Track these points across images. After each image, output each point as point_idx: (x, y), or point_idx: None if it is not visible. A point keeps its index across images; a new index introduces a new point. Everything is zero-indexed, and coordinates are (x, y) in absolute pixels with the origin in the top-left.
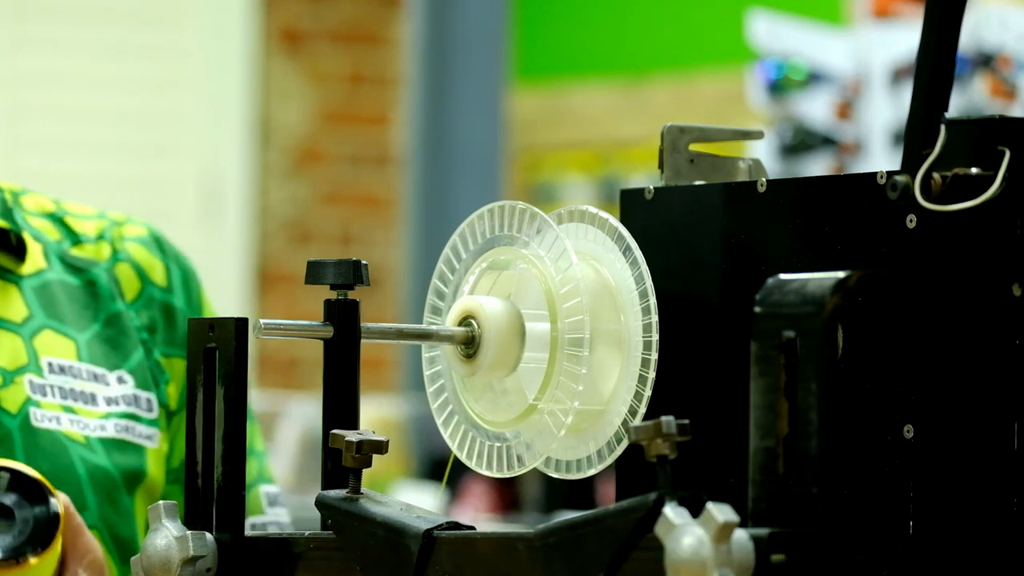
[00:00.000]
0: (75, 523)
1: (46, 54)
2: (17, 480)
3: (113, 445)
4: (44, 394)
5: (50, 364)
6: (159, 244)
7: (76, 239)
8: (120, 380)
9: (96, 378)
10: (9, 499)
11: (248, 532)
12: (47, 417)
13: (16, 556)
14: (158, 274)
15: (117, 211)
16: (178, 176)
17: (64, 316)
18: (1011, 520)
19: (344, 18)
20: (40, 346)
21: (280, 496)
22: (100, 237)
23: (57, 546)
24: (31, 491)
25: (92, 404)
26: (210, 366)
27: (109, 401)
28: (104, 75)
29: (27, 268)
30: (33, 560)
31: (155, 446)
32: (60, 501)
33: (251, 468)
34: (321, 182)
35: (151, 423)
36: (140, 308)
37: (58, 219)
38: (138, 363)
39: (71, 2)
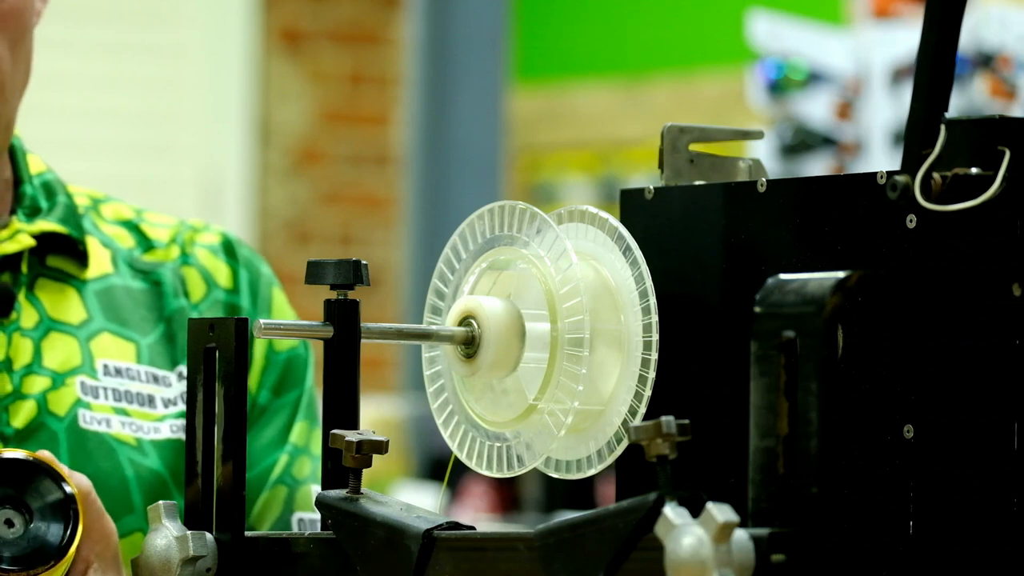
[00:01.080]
0: (95, 508)
1: (46, 54)
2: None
3: (168, 446)
4: (96, 396)
5: (106, 366)
6: (229, 249)
7: (149, 245)
8: (180, 376)
9: (156, 380)
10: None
11: (296, 527)
12: (96, 420)
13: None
14: (223, 277)
15: (198, 220)
16: (178, 176)
17: (126, 320)
18: (1011, 520)
19: (344, 18)
20: (96, 349)
21: None
22: (172, 241)
23: (72, 551)
24: (45, 484)
25: (149, 406)
26: (210, 366)
27: (167, 403)
28: (104, 75)
29: (90, 273)
30: (55, 566)
31: None
32: (79, 495)
33: (304, 467)
34: (321, 182)
35: None
36: (205, 309)
37: (134, 226)
38: None
39: (71, 2)
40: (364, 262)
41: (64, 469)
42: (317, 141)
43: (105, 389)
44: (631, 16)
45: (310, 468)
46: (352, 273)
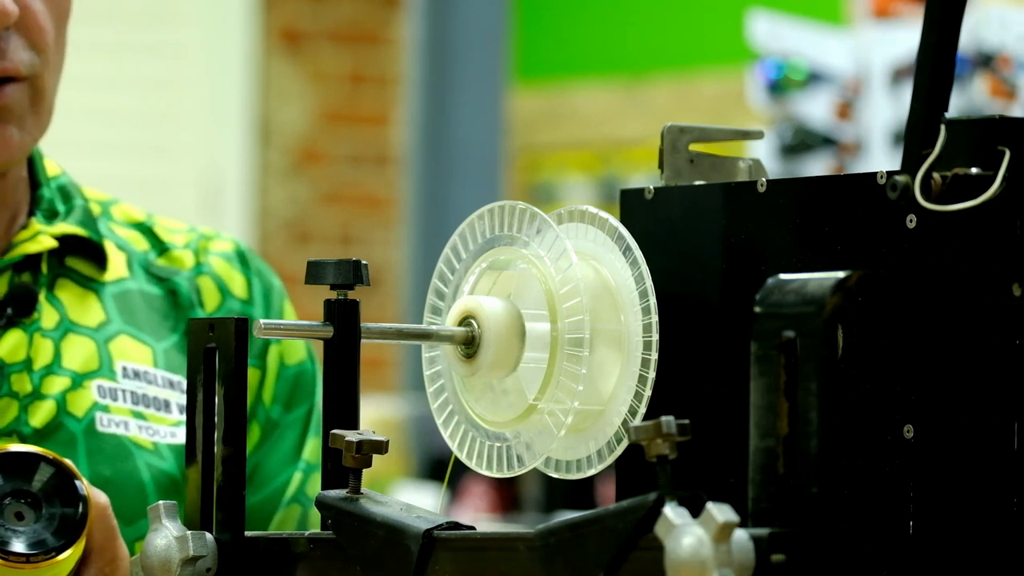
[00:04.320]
0: (110, 525)
1: None
2: (54, 475)
3: (183, 452)
4: (115, 398)
5: (124, 368)
6: (242, 259)
7: (163, 248)
8: None
9: (172, 385)
10: (42, 491)
11: None
12: (114, 422)
13: (40, 551)
14: (238, 287)
15: (207, 227)
16: (178, 176)
17: (142, 324)
18: (1011, 520)
19: (344, 18)
20: (116, 351)
21: None
22: (186, 247)
23: (80, 546)
24: (66, 489)
25: (165, 411)
26: (210, 366)
27: (183, 409)
28: (104, 75)
29: (108, 276)
30: (57, 557)
31: None
32: (92, 503)
33: (317, 484)
34: (321, 182)
35: None
36: None
37: (147, 229)
38: None
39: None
40: (364, 262)
41: (78, 473)
42: (317, 141)
43: (124, 391)
44: (631, 16)
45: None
46: (352, 273)
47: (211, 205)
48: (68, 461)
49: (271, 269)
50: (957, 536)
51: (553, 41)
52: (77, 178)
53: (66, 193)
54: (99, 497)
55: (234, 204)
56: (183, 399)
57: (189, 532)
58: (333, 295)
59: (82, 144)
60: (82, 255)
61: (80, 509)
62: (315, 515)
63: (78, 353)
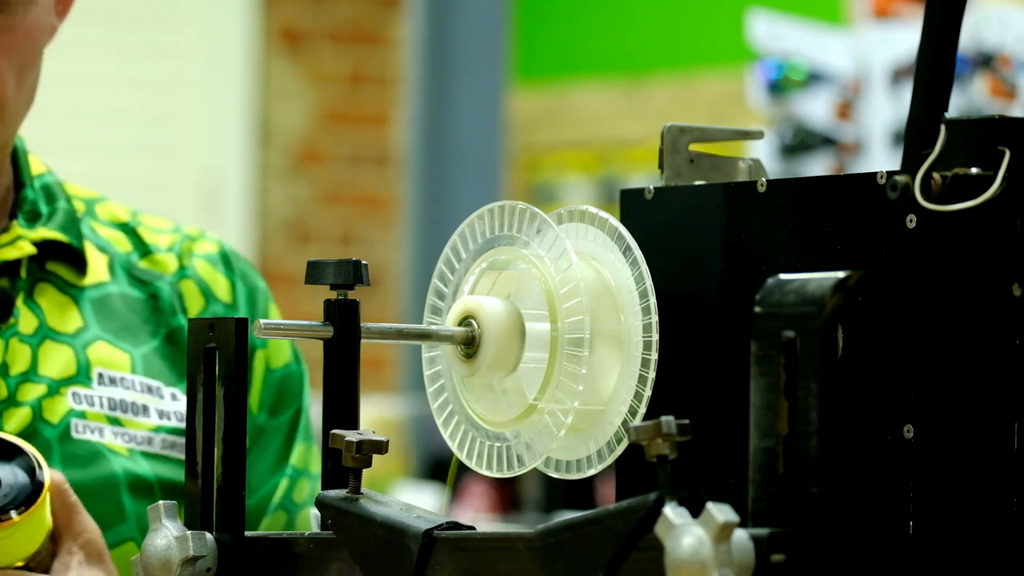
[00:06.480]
0: (70, 501)
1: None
2: (7, 450)
3: (158, 460)
4: (91, 404)
5: (100, 375)
6: (227, 261)
7: (146, 251)
8: (174, 397)
9: (150, 390)
10: None
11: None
12: (89, 428)
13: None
14: (222, 290)
15: (192, 227)
16: (178, 176)
17: (121, 329)
18: (1011, 520)
19: (344, 18)
20: (93, 357)
21: None
22: (170, 250)
23: (42, 512)
24: (17, 460)
25: (144, 415)
26: (210, 366)
27: (161, 414)
28: (104, 75)
29: (88, 280)
30: (16, 518)
31: None
32: (49, 474)
33: (302, 488)
34: (321, 182)
35: None
36: None
37: (131, 229)
38: None
39: None
40: (364, 262)
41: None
42: (317, 141)
43: (100, 398)
44: (631, 16)
45: (308, 490)
46: (352, 273)
47: (211, 205)
48: (19, 440)
49: (256, 270)
50: (957, 536)
51: (553, 41)
52: (77, 178)
53: (50, 194)
54: (54, 474)
55: (234, 204)
56: (161, 404)
57: (189, 532)
58: (333, 295)
59: (82, 144)
60: (62, 259)
61: (33, 479)
62: (301, 520)
63: (55, 360)
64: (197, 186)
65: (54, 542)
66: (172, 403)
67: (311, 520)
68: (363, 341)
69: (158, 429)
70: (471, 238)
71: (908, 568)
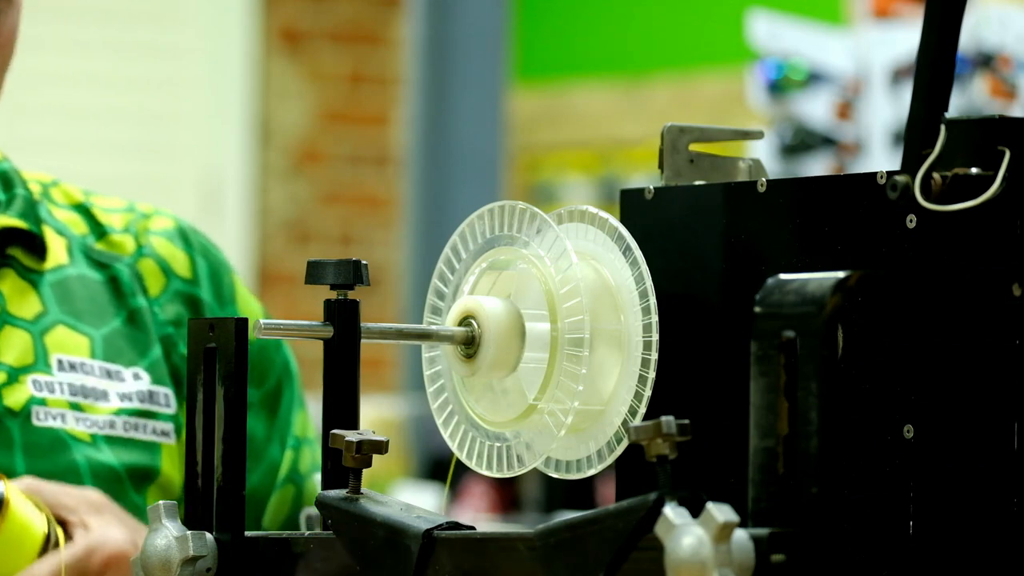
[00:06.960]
0: (49, 489)
1: (46, 53)
2: None
3: (121, 443)
4: (52, 391)
5: (60, 361)
6: (184, 236)
7: (102, 232)
8: (136, 376)
9: (110, 375)
10: None
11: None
12: (51, 415)
13: None
14: (181, 266)
15: (146, 204)
16: (178, 176)
17: (81, 312)
18: (1011, 520)
19: (344, 18)
20: (51, 343)
21: None
22: (126, 230)
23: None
24: None
25: (104, 400)
26: (210, 366)
27: (122, 397)
28: (104, 74)
29: (48, 264)
30: None
31: (171, 442)
32: (5, 484)
33: (305, 457)
34: (321, 182)
35: (168, 418)
36: (165, 303)
37: (85, 210)
38: (156, 359)
39: (71, 2)
40: (364, 262)
41: None
42: (317, 141)
43: (60, 384)
44: (631, 16)
45: (310, 458)
46: (352, 273)
47: (211, 205)
48: None
49: (215, 245)
50: (957, 536)
51: (553, 41)
52: (76, 178)
53: (7, 181)
54: (21, 480)
55: (234, 204)
56: (122, 387)
57: (189, 532)
58: (333, 295)
59: (82, 144)
60: (21, 245)
61: None
62: (308, 491)
63: (14, 347)
64: (197, 186)
65: (61, 524)
66: (134, 383)
67: (316, 487)
68: (363, 341)
69: (119, 412)
70: (471, 238)
71: (908, 568)
